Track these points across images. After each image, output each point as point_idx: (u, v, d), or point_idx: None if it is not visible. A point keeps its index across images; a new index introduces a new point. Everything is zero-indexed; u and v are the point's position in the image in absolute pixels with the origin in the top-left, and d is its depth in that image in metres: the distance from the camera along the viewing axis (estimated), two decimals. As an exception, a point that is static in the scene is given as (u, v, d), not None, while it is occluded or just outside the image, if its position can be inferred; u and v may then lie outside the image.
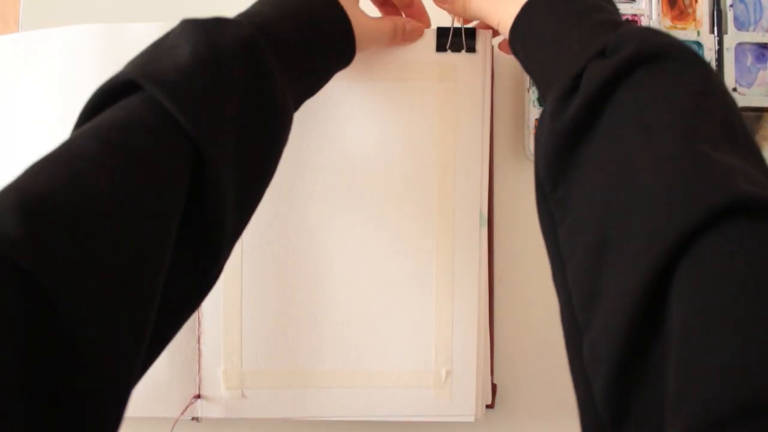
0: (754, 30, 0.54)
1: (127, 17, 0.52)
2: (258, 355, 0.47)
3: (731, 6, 0.53)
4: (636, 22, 0.53)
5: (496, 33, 0.48)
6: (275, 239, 0.47)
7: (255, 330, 0.47)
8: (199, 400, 0.47)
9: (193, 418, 0.47)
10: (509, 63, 0.53)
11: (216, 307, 0.47)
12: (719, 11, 0.53)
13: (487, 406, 0.50)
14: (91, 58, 0.47)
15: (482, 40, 0.49)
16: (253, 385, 0.47)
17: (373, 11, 0.47)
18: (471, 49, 0.48)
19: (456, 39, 0.48)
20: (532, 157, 0.52)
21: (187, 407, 0.47)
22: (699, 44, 0.53)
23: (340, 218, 0.48)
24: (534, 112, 0.52)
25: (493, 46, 0.51)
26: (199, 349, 0.47)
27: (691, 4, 0.54)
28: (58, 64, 0.47)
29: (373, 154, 0.48)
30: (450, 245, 0.48)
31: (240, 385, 0.47)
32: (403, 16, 0.48)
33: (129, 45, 0.47)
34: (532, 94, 0.52)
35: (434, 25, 0.49)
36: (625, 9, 0.53)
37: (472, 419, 0.48)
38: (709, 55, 0.53)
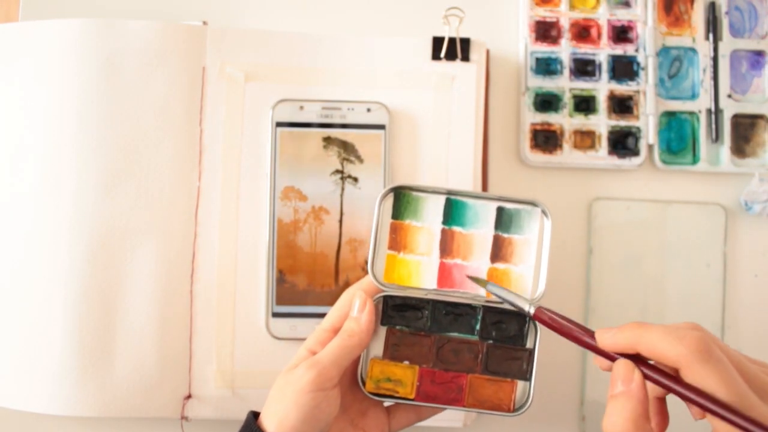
0: (749, 37, 0.54)
1: (127, 15, 0.52)
2: (250, 354, 0.47)
3: (727, 13, 0.53)
4: (631, 28, 0.53)
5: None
6: (269, 240, 0.48)
7: (247, 329, 0.47)
8: (189, 399, 0.47)
9: (182, 418, 0.47)
10: (504, 67, 0.53)
11: (209, 306, 0.47)
12: (715, 18, 0.53)
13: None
14: (80, 54, 0.47)
15: (477, 49, 0.49)
16: (244, 385, 0.47)
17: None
18: (466, 58, 0.49)
19: (451, 48, 0.49)
20: (526, 161, 0.52)
21: (183, 408, 0.47)
22: (694, 51, 0.53)
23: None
24: (529, 116, 0.52)
25: (488, 52, 0.51)
26: (190, 348, 0.47)
27: (686, 11, 0.54)
28: (46, 57, 0.47)
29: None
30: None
31: (231, 384, 0.47)
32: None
33: (121, 42, 0.47)
34: (527, 98, 0.52)
35: (429, 33, 0.49)
36: (620, 15, 0.53)
37: (460, 425, 0.48)
38: (705, 61, 0.53)
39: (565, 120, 0.52)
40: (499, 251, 0.41)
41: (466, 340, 0.40)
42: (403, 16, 0.54)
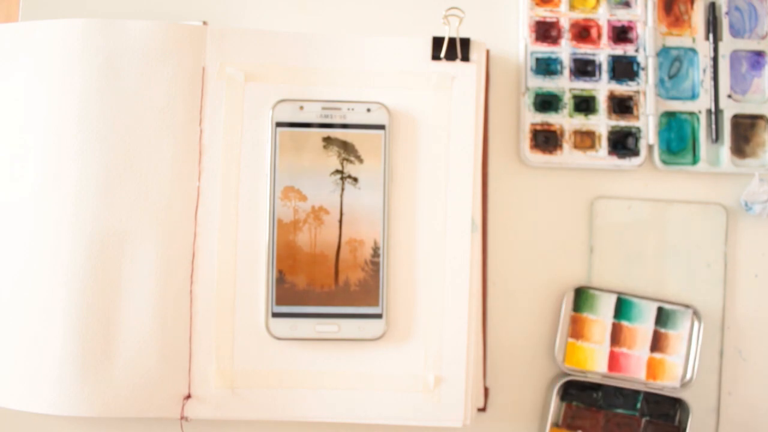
0: (749, 37, 0.54)
1: (127, 15, 0.52)
2: (250, 354, 0.47)
3: (727, 13, 0.53)
4: (631, 28, 0.53)
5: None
6: (269, 240, 0.48)
7: (247, 329, 0.48)
8: (189, 399, 0.47)
9: (182, 418, 0.47)
10: (504, 67, 0.53)
11: (209, 306, 0.47)
12: (714, 18, 0.53)
13: (479, 410, 0.50)
14: (80, 54, 0.47)
15: (477, 49, 0.49)
16: (244, 385, 0.47)
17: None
18: (466, 58, 0.49)
19: (451, 48, 0.49)
20: (526, 161, 0.52)
21: (182, 408, 0.47)
22: (694, 51, 0.53)
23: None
24: (529, 116, 0.52)
25: (488, 53, 0.51)
26: (190, 348, 0.47)
27: (686, 11, 0.54)
28: (46, 57, 0.47)
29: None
30: (441, 250, 0.48)
31: (231, 384, 0.47)
32: None
33: (121, 42, 0.47)
34: (527, 98, 0.52)
35: (429, 33, 0.49)
36: (621, 15, 0.53)
37: (459, 425, 0.48)
38: (704, 62, 0.53)
39: (565, 120, 0.52)
40: (657, 343, 0.50)
41: (629, 416, 0.50)
42: (403, 16, 0.54)
